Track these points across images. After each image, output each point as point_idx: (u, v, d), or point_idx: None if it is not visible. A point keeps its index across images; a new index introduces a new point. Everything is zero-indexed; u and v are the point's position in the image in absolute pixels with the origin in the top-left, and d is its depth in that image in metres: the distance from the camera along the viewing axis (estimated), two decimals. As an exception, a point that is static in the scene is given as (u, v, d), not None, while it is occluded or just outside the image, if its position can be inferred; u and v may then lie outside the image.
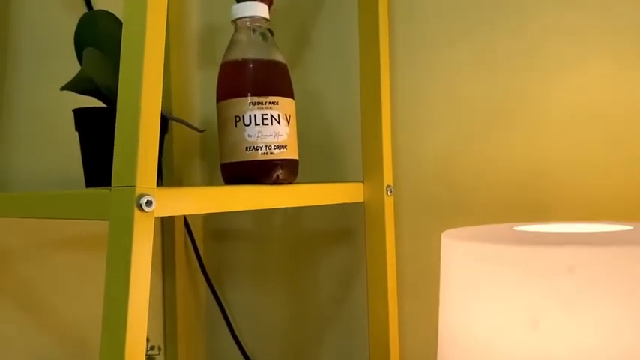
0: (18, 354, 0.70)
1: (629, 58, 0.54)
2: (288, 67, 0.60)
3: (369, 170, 0.65)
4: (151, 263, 0.41)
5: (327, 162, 0.74)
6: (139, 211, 0.40)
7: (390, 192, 0.65)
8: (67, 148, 0.75)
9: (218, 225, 0.87)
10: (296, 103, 0.76)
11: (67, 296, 0.75)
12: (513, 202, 0.60)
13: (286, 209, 0.79)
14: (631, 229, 0.42)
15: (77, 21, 0.63)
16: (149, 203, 0.40)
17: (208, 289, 0.86)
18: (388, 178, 0.65)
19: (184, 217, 0.85)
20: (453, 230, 0.46)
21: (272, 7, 0.64)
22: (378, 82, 0.64)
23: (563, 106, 0.57)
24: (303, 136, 0.76)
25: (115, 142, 0.42)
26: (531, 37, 0.59)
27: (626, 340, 0.34)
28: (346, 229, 0.73)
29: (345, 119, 0.73)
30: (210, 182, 0.86)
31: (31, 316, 0.72)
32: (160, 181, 0.56)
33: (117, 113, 0.42)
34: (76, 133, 0.61)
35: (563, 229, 0.47)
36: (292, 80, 0.76)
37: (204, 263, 0.86)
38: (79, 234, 0.76)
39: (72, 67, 0.63)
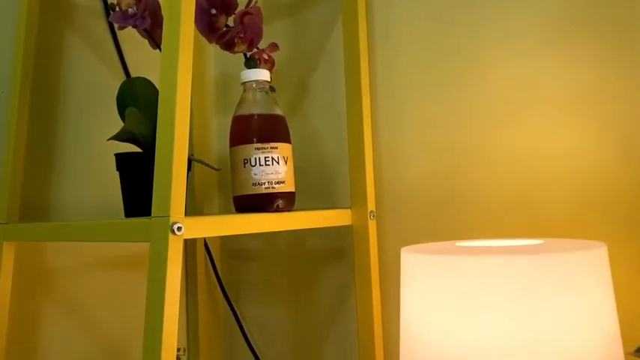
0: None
1: (560, 113, 0.67)
2: (290, 113, 0.73)
3: (355, 198, 0.79)
4: (181, 272, 0.55)
5: (323, 191, 0.88)
6: (172, 235, 0.54)
7: (373, 216, 0.79)
8: (108, 184, 0.90)
9: (234, 246, 1.00)
10: (296, 143, 0.90)
11: (108, 308, 0.89)
12: (468, 223, 0.73)
13: (290, 232, 0.93)
14: (540, 243, 0.55)
15: (116, 83, 0.78)
16: (179, 228, 0.55)
17: (226, 302, 0.99)
18: (371, 205, 0.79)
19: (204, 240, 0.98)
20: (410, 246, 0.59)
21: (274, 69, 0.79)
22: (361, 126, 0.78)
23: (511, 151, 0.71)
24: (302, 171, 0.90)
25: (154, 183, 0.56)
26: (488, 98, 0.73)
27: (527, 326, 0.47)
28: (341, 248, 0.87)
29: (337, 156, 0.87)
30: (225, 210, 1.00)
31: (78, 327, 0.86)
32: (185, 211, 0.68)
33: (155, 161, 0.57)
34: (117, 173, 0.76)
35: (492, 244, 0.60)
36: (293, 123, 0.91)
37: (222, 280, 1.00)
38: (118, 256, 0.91)
39: (110, 119, 0.77)
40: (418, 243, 0.78)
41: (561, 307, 0.47)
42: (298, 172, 0.90)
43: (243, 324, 0.97)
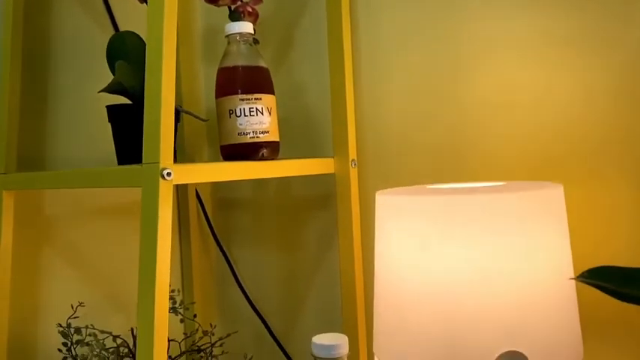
0: (66, 301, 0.90)
1: (529, 62, 0.70)
2: (275, 66, 0.75)
3: (337, 147, 0.83)
4: (171, 215, 0.59)
5: (307, 141, 0.92)
6: (162, 180, 0.58)
7: (354, 164, 0.83)
8: (101, 135, 0.93)
9: (224, 195, 1.05)
10: (280, 94, 0.93)
11: (105, 253, 0.94)
12: (443, 167, 0.78)
13: (277, 182, 0.97)
14: (503, 185, 0.59)
15: (105, 37, 0.80)
16: (169, 174, 0.59)
17: (217, 247, 1.05)
18: (352, 153, 0.83)
19: (196, 189, 1.03)
20: (385, 190, 0.64)
21: (258, 21, 0.81)
22: (343, 77, 0.81)
23: (481, 100, 0.74)
24: (288, 121, 0.93)
25: (144, 132, 0.60)
26: (460, 49, 0.76)
27: (485, 258, 0.52)
28: (325, 195, 0.91)
29: (321, 107, 0.90)
30: (214, 159, 1.04)
31: (76, 271, 0.92)
32: (175, 160, 0.72)
33: (144, 111, 0.60)
34: (108, 124, 0.79)
35: (458, 186, 0.64)
36: (279, 75, 0.94)
37: (214, 227, 1.05)
38: (112, 204, 0.95)
39: (101, 71, 0.80)
40: (398, 186, 0.82)
41: (517, 241, 0.52)
42: (283, 122, 0.93)
43: (234, 266, 1.03)
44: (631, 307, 0.64)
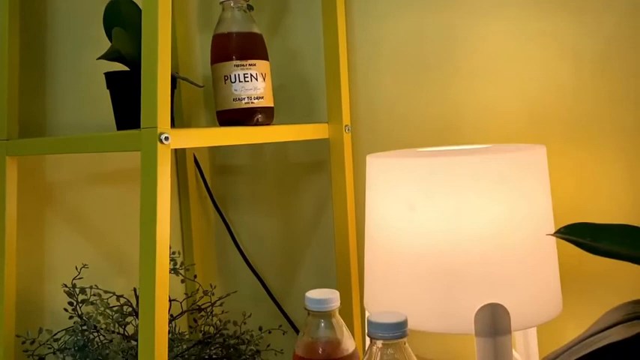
0: (70, 263, 0.93)
1: (518, 29, 0.72)
2: (269, 33, 0.75)
3: (331, 113, 0.85)
4: (170, 178, 0.61)
5: (302, 107, 0.94)
6: (160, 144, 0.61)
7: (348, 130, 0.85)
8: (99, 102, 0.95)
9: (222, 161, 1.07)
10: (276, 61, 0.95)
11: (106, 217, 0.97)
12: (433, 131, 0.80)
13: (274, 148, 0.99)
14: (488, 147, 0.62)
15: (102, 4, 0.81)
16: (167, 138, 0.61)
17: (216, 211, 1.07)
18: (346, 119, 0.84)
19: (194, 155, 1.05)
20: (376, 153, 0.66)
21: (252, -12, 0.82)
22: (337, 43, 0.83)
23: (471, 65, 0.76)
24: (282, 88, 0.95)
25: (142, 98, 0.62)
26: (451, 16, 0.77)
27: (465, 215, 0.55)
28: (321, 160, 0.94)
29: (316, 73, 0.91)
30: (211, 125, 1.06)
31: (80, 234, 0.95)
32: (172, 125, 0.73)
33: (141, 78, 0.62)
34: (107, 91, 0.81)
35: (446, 149, 0.66)
36: (273, 42, 0.95)
37: (212, 192, 1.07)
38: (113, 169, 0.98)
39: (99, 38, 0.81)
40: (389, 150, 0.84)
41: (500, 200, 0.55)
42: (278, 89, 0.95)
43: (232, 229, 1.06)
44: (608, 262, 0.67)
